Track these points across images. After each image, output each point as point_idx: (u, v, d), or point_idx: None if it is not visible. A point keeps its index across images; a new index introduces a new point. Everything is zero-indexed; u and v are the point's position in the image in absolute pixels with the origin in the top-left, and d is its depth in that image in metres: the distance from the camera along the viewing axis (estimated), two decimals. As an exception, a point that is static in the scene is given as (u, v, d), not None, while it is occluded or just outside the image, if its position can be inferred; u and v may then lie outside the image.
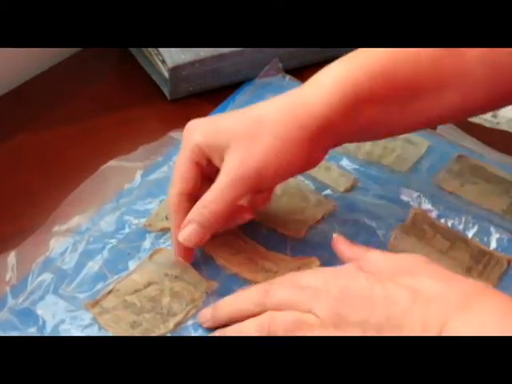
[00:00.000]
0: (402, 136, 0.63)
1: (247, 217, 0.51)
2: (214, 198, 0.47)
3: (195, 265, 0.50)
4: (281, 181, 0.50)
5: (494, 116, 0.66)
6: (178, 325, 0.47)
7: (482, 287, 0.41)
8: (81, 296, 0.48)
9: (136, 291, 0.48)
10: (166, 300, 0.48)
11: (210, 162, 0.48)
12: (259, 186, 0.48)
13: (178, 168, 0.49)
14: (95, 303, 0.47)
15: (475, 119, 0.67)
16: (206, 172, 0.49)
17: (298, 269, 0.50)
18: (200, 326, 0.47)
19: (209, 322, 0.46)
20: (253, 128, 0.47)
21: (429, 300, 0.39)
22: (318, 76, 0.48)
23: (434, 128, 0.64)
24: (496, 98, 0.50)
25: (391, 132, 0.53)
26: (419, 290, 0.40)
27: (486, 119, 0.67)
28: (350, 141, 0.53)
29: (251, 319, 0.43)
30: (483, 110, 0.55)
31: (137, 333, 0.46)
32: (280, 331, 0.42)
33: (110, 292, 0.48)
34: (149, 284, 0.48)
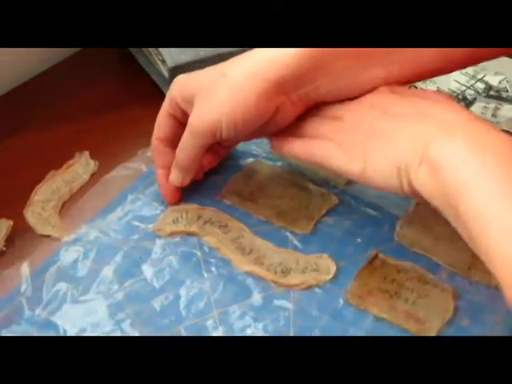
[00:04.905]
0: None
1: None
2: (181, 147, 0.52)
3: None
4: (243, 131, 0.50)
5: (494, 116, 0.66)
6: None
7: (470, 117, 0.44)
8: (98, 302, 0.48)
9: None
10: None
11: (185, 112, 0.52)
12: (219, 136, 0.50)
13: (158, 117, 0.54)
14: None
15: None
16: (184, 120, 0.52)
17: (314, 264, 0.51)
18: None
19: (277, 150, 0.52)
20: (214, 82, 0.49)
21: (426, 117, 0.44)
22: None
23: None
24: (419, 74, 0.51)
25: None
26: (422, 106, 0.45)
27: (485, 119, 0.67)
28: (319, 95, 0.51)
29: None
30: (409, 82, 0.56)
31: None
32: None
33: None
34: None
